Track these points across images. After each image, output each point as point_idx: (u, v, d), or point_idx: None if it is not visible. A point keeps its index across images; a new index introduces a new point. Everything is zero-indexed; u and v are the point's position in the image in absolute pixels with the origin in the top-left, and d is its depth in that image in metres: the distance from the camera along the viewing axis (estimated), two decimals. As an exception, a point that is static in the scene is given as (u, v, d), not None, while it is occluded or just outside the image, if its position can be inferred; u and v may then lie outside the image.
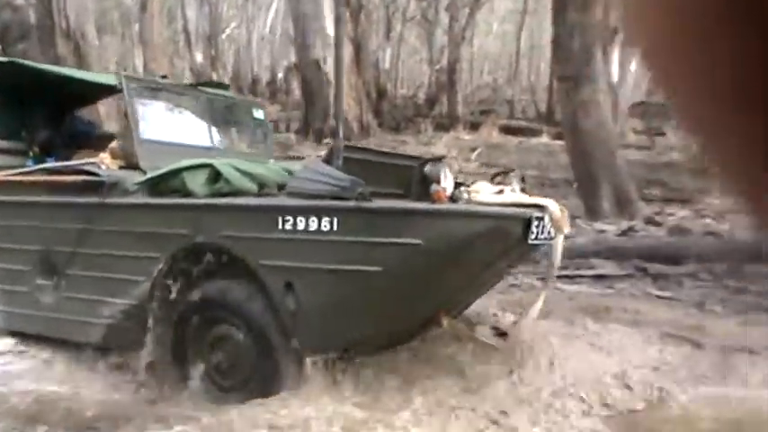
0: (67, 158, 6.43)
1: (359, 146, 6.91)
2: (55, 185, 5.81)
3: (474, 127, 22.55)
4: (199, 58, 33.96)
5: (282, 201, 4.85)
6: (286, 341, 4.78)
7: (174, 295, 5.16)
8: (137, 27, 29.15)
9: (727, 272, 9.33)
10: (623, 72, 21.63)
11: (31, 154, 7.00)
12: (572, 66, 12.67)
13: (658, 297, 8.51)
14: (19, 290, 6.03)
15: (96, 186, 5.49)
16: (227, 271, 5.03)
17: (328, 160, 5.11)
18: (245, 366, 4.91)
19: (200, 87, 6.94)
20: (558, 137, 17.51)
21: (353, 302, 4.63)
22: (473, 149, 19.12)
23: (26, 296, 5.98)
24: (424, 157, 5.33)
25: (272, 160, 6.64)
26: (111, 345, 5.52)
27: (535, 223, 4.62)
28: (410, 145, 19.26)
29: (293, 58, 25.73)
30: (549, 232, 4.81)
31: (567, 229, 5.12)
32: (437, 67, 28.64)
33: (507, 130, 22.17)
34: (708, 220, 12.57)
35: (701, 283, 9.12)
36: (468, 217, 4.55)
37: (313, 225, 4.56)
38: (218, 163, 5.16)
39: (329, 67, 19.67)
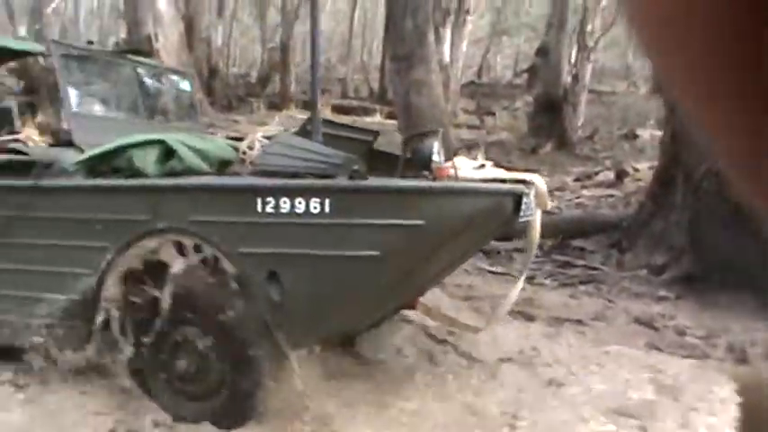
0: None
1: (327, 119, 6.36)
2: None
3: (307, 106, 22.37)
4: (22, 32, 32.22)
5: (261, 180, 4.32)
6: (265, 337, 4.29)
7: (128, 288, 4.50)
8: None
9: (554, 247, 9.70)
10: (454, 52, 22.09)
11: None
12: (405, 46, 12.76)
13: (490, 272, 8.73)
14: None
15: (26, 167, 4.79)
16: (195, 261, 4.40)
17: (304, 133, 4.72)
18: (216, 369, 4.36)
19: (127, 55, 6.16)
20: (390, 116, 17.65)
21: (345, 290, 4.22)
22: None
23: None
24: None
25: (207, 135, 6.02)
26: (49, 347, 4.74)
27: (524, 199, 4.33)
28: (242, 124, 18.97)
29: (122, 34, 24.78)
30: (531, 208, 4.52)
31: (549, 205, 4.91)
32: (270, 45, 28.29)
33: (340, 110, 22.14)
34: (535, 198, 13.01)
35: (530, 257, 9.42)
36: (469, 195, 4.19)
37: (300, 207, 4.07)
38: (170, 138, 4.58)
39: (161, 45, 19.16)
